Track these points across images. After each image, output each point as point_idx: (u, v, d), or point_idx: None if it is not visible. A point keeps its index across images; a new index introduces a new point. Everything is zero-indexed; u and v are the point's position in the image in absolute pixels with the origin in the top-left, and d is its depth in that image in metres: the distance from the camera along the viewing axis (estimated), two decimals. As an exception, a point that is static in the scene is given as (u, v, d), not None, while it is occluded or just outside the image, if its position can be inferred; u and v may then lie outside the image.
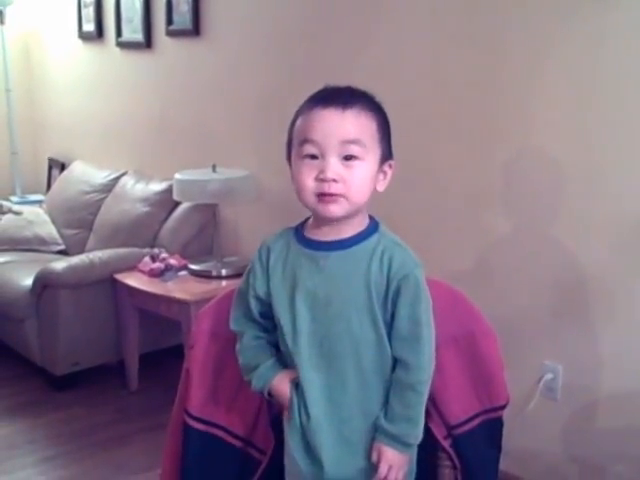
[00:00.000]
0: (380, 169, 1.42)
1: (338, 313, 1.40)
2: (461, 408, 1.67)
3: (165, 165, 3.84)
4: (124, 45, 4.12)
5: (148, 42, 3.93)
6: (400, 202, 2.55)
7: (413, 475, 1.52)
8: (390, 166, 1.44)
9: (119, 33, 4.13)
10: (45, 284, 3.32)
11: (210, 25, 3.57)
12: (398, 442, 1.42)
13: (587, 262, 2.35)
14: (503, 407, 1.72)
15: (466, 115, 2.59)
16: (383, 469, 1.42)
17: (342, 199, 1.37)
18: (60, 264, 3.35)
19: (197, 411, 1.61)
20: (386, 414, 1.43)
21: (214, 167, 3.26)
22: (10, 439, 3.02)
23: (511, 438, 1.88)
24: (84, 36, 4.41)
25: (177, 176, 3.30)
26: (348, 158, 1.36)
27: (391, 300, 1.40)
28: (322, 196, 1.37)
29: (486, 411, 1.70)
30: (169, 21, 3.76)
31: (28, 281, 3.40)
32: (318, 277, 1.41)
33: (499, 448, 1.75)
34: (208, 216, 3.48)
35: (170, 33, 3.78)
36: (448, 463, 1.70)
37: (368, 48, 2.87)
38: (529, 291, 2.50)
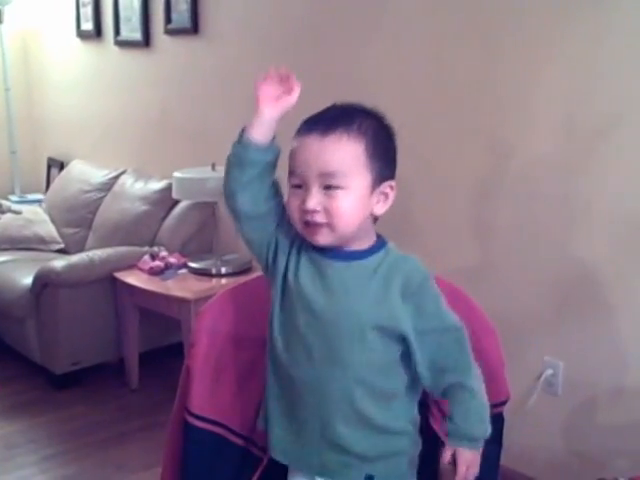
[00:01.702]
0: (375, 192, 1.37)
1: (331, 323, 1.38)
2: (462, 404, 1.67)
3: (164, 163, 3.83)
4: (123, 44, 4.12)
5: (147, 41, 3.93)
6: (401, 200, 2.55)
7: (415, 470, 1.52)
8: (391, 187, 1.39)
9: (117, 32, 4.12)
10: (45, 283, 3.32)
11: (209, 23, 3.57)
12: (471, 441, 1.43)
13: (588, 258, 2.35)
14: (504, 403, 1.72)
15: (467, 112, 2.59)
16: (462, 470, 1.42)
17: (326, 229, 1.34)
18: (60, 263, 3.35)
19: (198, 409, 1.61)
20: (452, 417, 1.43)
21: (213, 165, 3.26)
22: (10, 438, 3.02)
23: (512, 434, 1.88)
24: (83, 35, 4.41)
25: (176, 174, 3.30)
26: (329, 187, 1.32)
27: (410, 312, 1.38)
28: (307, 226, 1.36)
29: (487, 407, 1.70)
30: (167, 20, 3.76)
31: (28, 280, 3.40)
32: (320, 284, 1.39)
33: (500, 444, 1.75)
34: (207, 214, 3.48)
35: (169, 32, 3.78)
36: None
37: (368, 46, 2.87)
38: (530, 287, 2.50)
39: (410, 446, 1.48)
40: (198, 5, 3.59)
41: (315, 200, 1.33)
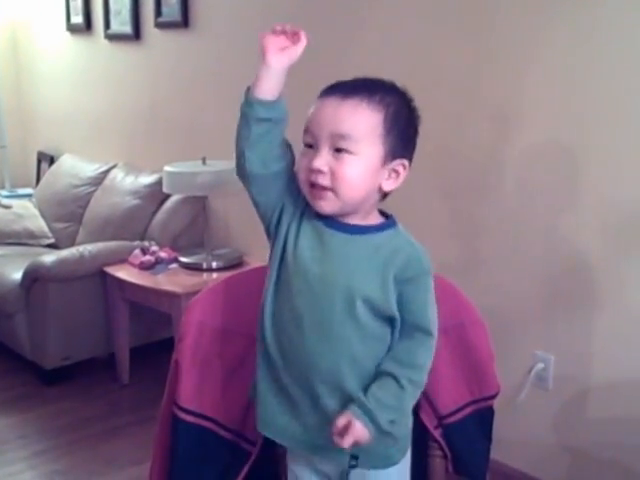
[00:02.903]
0: (386, 166, 1.35)
1: (323, 293, 1.36)
2: (451, 398, 1.68)
3: (155, 158, 3.82)
4: (113, 37, 4.10)
5: (137, 34, 3.91)
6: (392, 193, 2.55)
7: (405, 454, 1.49)
8: (404, 166, 1.37)
9: (107, 25, 4.10)
10: (35, 278, 3.31)
11: (199, 17, 3.56)
12: (373, 422, 1.34)
13: (579, 253, 2.35)
14: (493, 397, 1.73)
15: (457, 106, 2.58)
16: (348, 441, 1.31)
17: (330, 194, 1.33)
18: (50, 257, 3.33)
19: (187, 403, 1.60)
20: (368, 392, 1.35)
21: (204, 159, 3.24)
22: (0, 434, 3.01)
23: (502, 428, 1.88)
24: (72, 28, 4.38)
25: (167, 168, 3.28)
26: (338, 150, 1.31)
27: (395, 296, 1.36)
28: (312, 188, 1.34)
29: (476, 401, 1.70)
30: (158, 13, 3.74)
31: (17, 275, 3.39)
32: (318, 251, 1.38)
33: (490, 438, 1.76)
34: (198, 209, 3.47)
35: (159, 25, 3.76)
36: (439, 453, 1.71)
37: (358, 41, 2.86)
38: (520, 281, 2.50)
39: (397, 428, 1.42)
40: (188, -2, 3.57)
41: (323, 160, 1.32)
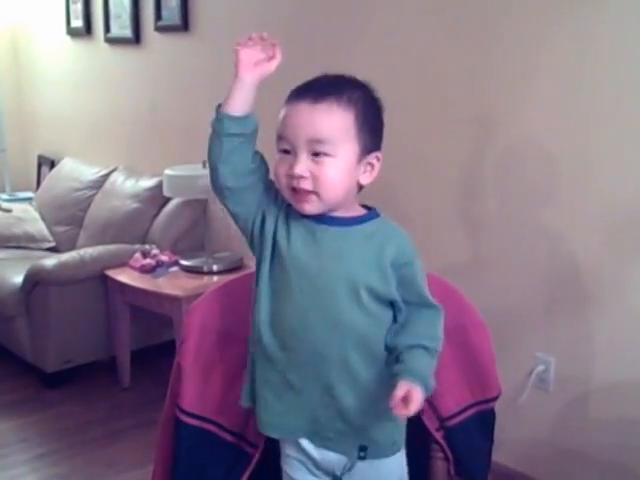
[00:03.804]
0: (362, 161, 1.39)
1: (326, 287, 1.38)
2: (453, 400, 1.68)
3: (155, 161, 3.82)
4: (113, 41, 4.10)
5: (137, 38, 3.92)
6: (389, 194, 2.55)
7: (404, 442, 1.51)
8: (377, 159, 1.41)
9: (108, 29, 4.11)
10: (35, 281, 3.31)
11: (199, 20, 3.56)
12: (424, 383, 1.36)
13: (579, 254, 2.35)
14: (495, 399, 1.73)
15: (458, 107, 2.59)
16: (413, 408, 1.32)
17: (314, 196, 1.36)
18: (50, 261, 3.34)
19: (189, 406, 1.60)
20: (405, 361, 1.39)
21: (204, 163, 3.24)
22: (2, 437, 3.01)
23: (503, 429, 1.89)
24: (73, 32, 4.39)
25: (167, 172, 3.29)
26: (317, 154, 1.34)
27: (396, 282, 1.41)
28: (295, 193, 1.36)
29: (478, 403, 1.70)
30: (158, 17, 3.75)
31: (18, 278, 3.39)
32: (313, 248, 1.40)
33: (491, 439, 1.76)
34: (199, 212, 3.48)
35: (159, 29, 3.77)
36: (440, 455, 1.71)
37: (359, 42, 2.86)
38: (521, 283, 2.50)
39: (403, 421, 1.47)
40: (188, 2, 3.57)
41: (303, 166, 1.34)
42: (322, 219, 1.41)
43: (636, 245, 2.24)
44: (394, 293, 1.41)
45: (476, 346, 1.68)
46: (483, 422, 1.72)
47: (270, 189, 1.43)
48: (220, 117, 1.35)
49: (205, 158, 3.47)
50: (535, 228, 2.44)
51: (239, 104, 1.35)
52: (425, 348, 1.41)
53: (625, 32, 2.16)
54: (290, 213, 1.42)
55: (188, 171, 3.26)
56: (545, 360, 2.46)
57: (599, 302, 2.32)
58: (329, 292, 1.38)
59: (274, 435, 1.51)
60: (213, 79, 3.51)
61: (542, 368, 2.47)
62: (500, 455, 2.12)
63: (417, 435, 1.53)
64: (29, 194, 4.63)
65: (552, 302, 2.44)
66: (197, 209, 3.48)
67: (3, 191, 4.77)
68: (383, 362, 1.44)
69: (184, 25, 3.60)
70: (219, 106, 1.37)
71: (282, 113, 1.38)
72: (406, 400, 1.32)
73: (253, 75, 1.35)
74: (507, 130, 2.47)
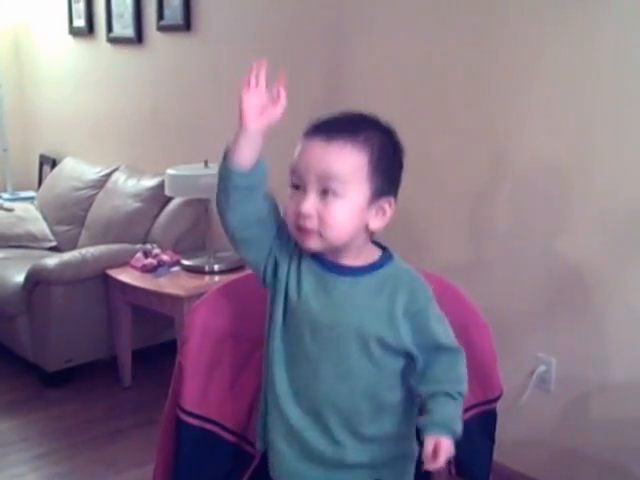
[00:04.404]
0: (373, 205, 1.34)
1: (336, 338, 1.37)
2: (454, 400, 1.67)
3: (157, 160, 3.82)
4: (115, 41, 4.10)
5: (139, 37, 3.92)
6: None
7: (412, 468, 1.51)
8: (390, 204, 1.36)
9: (110, 29, 4.11)
10: (37, 281, 3.31)
11: (201, 20, 3.56)
12: (450, 432, 1.37)
13: (580, 255, 2.35)
14: (496, 399, 1.73)
15: (462, 112, 2.58)
16: (442, 460, 1.34)
17: (316, 235, 1.32)
18: (52, 260, 3.34)
19: (190, 406, 1.60)
20: (432, 412, 1.38)
21: (206, 162, 3.25)
22: (3, 436, 3.01)
23: (505, 430, 1.88)
24: (75, 32, 4.39)
25: (169, 171, 3.29)
26: (326, 192, 1.30)
27: (409, 328, 1.38)
28: (299, 231, 1.34)
29: (480, 403, 1.70)
30: (160, 16, 3.75)
31: (20, 278, 3.39)
32: (324, 299, 1.38)
33: (493, 440, 1.76)
34: (200, 211, 3.48)
35: (161, 28, 3.77)
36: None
37: (361, 42, 2.86)
38: (522, 284, 2.50)
39: (414, 448, 1.48)
40: (191, 1, 3.57)
41: (310, 204, 1.31)
42: (331, 267, 1.38)
43: (636, 245, 2.24)
44: (406, 344, 1.38)
45: (478, 346, 1.68)
46: (485, 423, 1.71)
47: (282, 232, 1.40)
48: (228, 168, 1.31)
49: (206, 157, 3.45)
50: (535, 228, 2.44)
51: (247, 156, 1.31)
52: (447, 394, 1.39)
53: (627, 34, 2.16)
54: (301, 260, 1.40)
55: (190, 171, 3.26)
56: (546, 360, 2.46)
57: (600, 303, 2.32)
58: (339, 344, 1.37)
59: None
60: (215, 79, 3.52)
61: (543, 368, 2.46)
62: (501, 455, 2.11)
63: (418, 435, 1.52)
64: (31, 193, 4.63)
65: (553, 303, 2.44)
66: (199, 209, 3.48)
67: (5, 190, 4.77)
68: (399, 405, 1.43)
69: (186, 25, 3.60)
70: (225, 152, 1.33)
71: (297, 147, 1.35)
72: (435, 452, 1.32)
73: (259, 125, 1.31)
74: (507, 130, 2.47)
